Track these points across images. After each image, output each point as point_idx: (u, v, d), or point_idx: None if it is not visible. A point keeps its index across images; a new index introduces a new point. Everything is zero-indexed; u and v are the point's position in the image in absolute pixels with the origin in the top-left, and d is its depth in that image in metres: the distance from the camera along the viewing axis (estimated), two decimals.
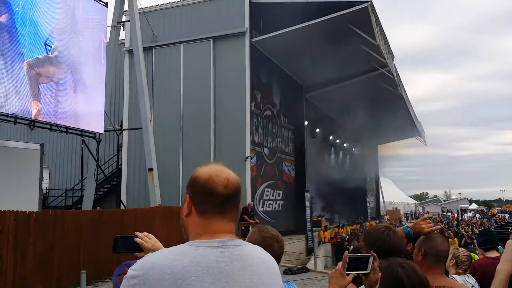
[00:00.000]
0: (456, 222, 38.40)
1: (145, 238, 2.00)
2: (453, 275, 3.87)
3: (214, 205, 1.44)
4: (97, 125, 13.74)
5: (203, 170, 1.49)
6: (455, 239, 21.68)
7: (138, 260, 1.38)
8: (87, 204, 14.69)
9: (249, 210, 16.37)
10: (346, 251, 2.13)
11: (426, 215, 3.45)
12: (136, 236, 2.00)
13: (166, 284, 1.29)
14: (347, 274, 2.04)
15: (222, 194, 1.45)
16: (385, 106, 27.87)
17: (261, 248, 1.56)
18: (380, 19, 18.33)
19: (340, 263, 2.07)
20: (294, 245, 18.47)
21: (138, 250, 1.97)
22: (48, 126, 12.90)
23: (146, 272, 1.31)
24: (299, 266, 15.33)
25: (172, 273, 1.30)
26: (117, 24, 15.07)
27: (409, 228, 3.19)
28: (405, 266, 2.03)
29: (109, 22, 14.77)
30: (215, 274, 1.34)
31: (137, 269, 1.33)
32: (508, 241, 1.86)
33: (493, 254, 4.44)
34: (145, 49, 16.50)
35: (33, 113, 11.51)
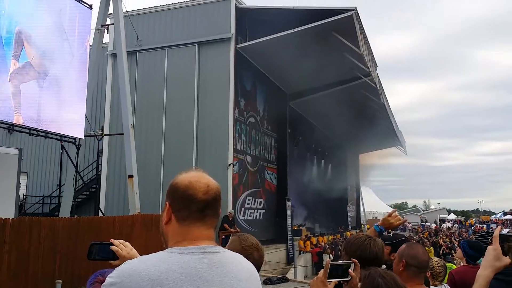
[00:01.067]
0: (434, 232, 38.89)
1: (121, 245, 1.99)
2: (430, 287, 3.87)
3: (194, 211, 1.45)
4: (77, 130, 13.49)
5: (183, 177, 1.50)
6: (431, 247, 21.96)
7: (116, 267, 1.37)
8: (65, 211, 14.39)
9: (230, 219, 16.27)
10: (328, 259, 2.12)
11: (392, 210, 3.48)
12: (112, 244, 1.98)
13: None
14: (329, 282, 2.03)
15: (202, 200, 1.46)
16: (368, 115, 28.16)
17: (241, 256, 1.57)
18: (364, 28, 18.52)
19: (321, 271, 2.05)
20: (274, 255, 18.38)
21: (114, 258, 1.96)
22: (27, 131, 12.65)
23: (124, 279, 1.31)
24: (279, 276, 15.26)
25: (150, 280, 1.29)
26: (101, 27, 14.89)
27: (379, 226, 3.20)
28: (385, 276, 2.03)
29: (93, 25, 14.59)
30: (194, 280, 1.34)
31: (115, 276, 1.33)
32: (489, 247, 1.89)
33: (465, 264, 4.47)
34: (129, 53, 16.35)
35: (13, 116, 11.26)
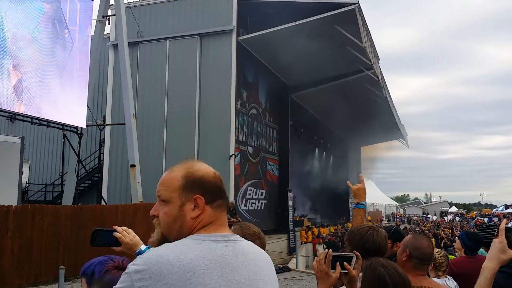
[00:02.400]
0: (433, 224, 39.03)
1: (124, 232, 2.00)
2: (433, 278, 3.89)
3: (224, 200, 1.50)
4: (79, 120, 13.55)
5: (202, 168, 1.50)
6: (432, 239, 22.05)
7: (140, 255, 1.35)
8: (67, 199, 14.48)
9: (231, 209, 16.36)
10: (330, 250, 2.13)
11: (360, 178, 3.45)
12: (115, 230, 1.98)
13: (174, 277, 1.27)
14: (333, 272, 2.05)
15: (224, 189, 1.52)
16: (370, 108, 28.11)
17: (256, 245, 1.58)
18: (366, 21, 18.45)
19: (317, 259, 2.07)
20: (276, 245, 18.49)
21: (116, 244, 1.97)
22: (29, 119, 12.69)
23: (151, 266, 1.27)
24: (281, 266, 15.35)
25: (180, 266, 1.28)
26: (103, 18, 14.87)
27: (360, 203, 3.20)
28: (387, 266, 2.03)
29: (95, 16, 14.57)
30: (223, 267, 1.35)
31: (141, 264, 1.29)
32: (494, 240, 1.90)
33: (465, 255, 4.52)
34: (131, 44, 16.33)
35: (15, 105, 11.29)
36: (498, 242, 1.88)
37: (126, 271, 1.30)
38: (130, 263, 1.32)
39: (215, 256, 1.35)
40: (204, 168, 1.50)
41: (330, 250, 2.12)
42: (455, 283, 4.01)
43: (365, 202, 3.27)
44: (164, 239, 1.46)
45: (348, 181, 3.47)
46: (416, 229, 30.52)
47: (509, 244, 1.86)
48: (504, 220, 2.12)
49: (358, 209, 3.26)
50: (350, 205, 39.72)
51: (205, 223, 1.44)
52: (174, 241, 1.40)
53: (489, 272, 1.86)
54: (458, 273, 4.18)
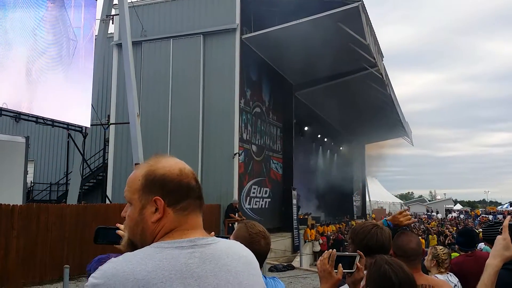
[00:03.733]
0: (437, 222, 38.94)
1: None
2: (436, 275, 3.91)
3: (193, 199, 1.34)
4: (83, 119, 13.60)
5: (165, 165, 1.35)
6: (434, 235, 21.98)
7: (100, 267, 1.25)
8: (72, 198, 14.55)
9: (235, 208, 16.38)
10: (334, 250, 2.14)
11: (404, 208, 3.41)
12: (118, 228, 2.01)
13: None
14: (336, 272, 2.06)
15: (196, 187, 1.36)
16: (374, 106, 28.05)
17: (239, 243, 1.47)
18: (370, 19, 18.39)
19: (322, 259, 2.08)
20: (280, 243, 18.51)
21: (119, 243, 1.98)
22: (34, 119, 12.75)
23: (107, 280, 1.19)
24: (285, 264, 15.39)
25: (135, 280, 1.18)
26: (106, 18, 14.91)
27: (388, 221, 3.20)
28: (392, 263, 2.03)
29: (98, 15, 14.60)
30: (185, 278, 1.22)
31: (98, 277, 1.21)
32: (498, 236, 1.90)
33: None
34: (134, 43, 16.37)
35: (20, 105, 11.35)
36: (502, 239, 1.88)
37: (86, 283, 1.24)
38: (91, 275, 1.25)
39: (176, 265, 1.22)
40: (168, 165, 1.34)
41: (334, 250, 2.12)
42: (457, 279, 4.02)
43: (391, 225, 3.17)
44: (132, 244, 1.36)
45: (407, 209, 3.28)
46: (421, 227, 30.44)
47: None
48: (508, 217, 2.09)
49: (382, 223, 3.14)
50: (354, 203, 39.71)
51: (168, 229, 1.30)
52: (141, 246, 1.30)
53: (492, 269, 1.86)
54: (459, 272, 4.20)
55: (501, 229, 1.91)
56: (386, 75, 23.66)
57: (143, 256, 1.23)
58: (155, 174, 1.33)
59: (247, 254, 1.43)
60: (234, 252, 1.37)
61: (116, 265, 1.22)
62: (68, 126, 13.90)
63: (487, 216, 51.26)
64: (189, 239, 1.29)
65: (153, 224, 1.31)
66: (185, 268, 1.23)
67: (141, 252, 1.25)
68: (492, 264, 1.87)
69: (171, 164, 1.35)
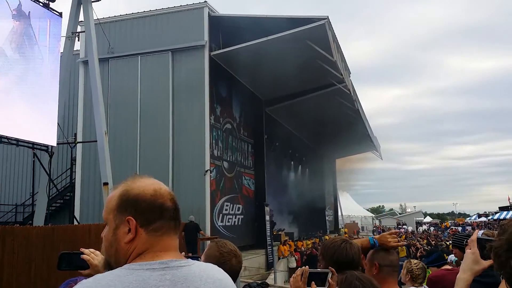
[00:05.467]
0: (410, 234, 39.58)
1: (92, 254, 1.93)
2: (410, 287, 3.96)
3: (167, 220, 1.33)
4: (49, 138, 13.26)
5: (140, 185, 1.34)
6: (404, 247, 22.34)
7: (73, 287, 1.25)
8: (39, 220, 14.10)
9: (193, 226, 15.97)
10: (307, 266, 2.13)
11: (393, 230, 3.43)
12: (82, 253, 1.92)
13: None
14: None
15: (172, 208, 1.36)
16: (343, 121, 28.49)
17: (215, 266, 1.45)
18: (337, 35, 18.78)
19: (295, 276, 2.07)
20: (253, 260, 18.38)
21: (84, 267, 1.90)
22: None
23: None
24: (259, 281, 15.17)
25: None
26: (72, 35, 14.69)
27: (374, 239, 3.21)
28: (362, 278, 2.05)
29: (64, 32, 14.38)
30: None
31: None
32: (467, 251, 1.94)
33: (447, 267, 4.69)
34: (101, 60, 16.17)
35: None
36: (471, 253, 1.91)
37: None
38: None
39: (146, 287, 1.20)
40: (143, 186, 1.34)
41: (307, 266, 2.12)
42: None
43: (377, 244, 3.07)
44: (109, 265, 1.35)
45: (396, 231, 3.23)
46: None
47: (482, 255, 1.88)
48: (476, 231, 2.16)
49: (368, 240, 3.03)
50: (326, 218, 39.95)
51: (141, 250, 1.29)
52: (116, 267, 1.28)
53: (463, 283, 1.90)
54: (438, 285, 4.25)
55: (466, 242, 1.95)
56: (354, 90, 24.12)
57: (112, 278, 1.21)
58: (129, 194, 1.33)
59: (222, 277, 1.40)
60: (208, 275, 1.34)
61: (85, 287, 1.21)
62: (33, 145, 13.55)
63: (456, 228, 52.42)
64: (161, 261, 1.27)
65: (126, 245, 1.30)
66: None
67: (111, 273, 1.24)
68: (463, 278, 1.91)
69: (146, 184, 1.35)
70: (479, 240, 1.91)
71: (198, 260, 1.56)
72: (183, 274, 1.28)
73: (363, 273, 2.18)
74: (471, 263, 1.90)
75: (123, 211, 1.32)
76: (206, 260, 2.18)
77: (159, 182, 1.39)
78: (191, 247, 14.87)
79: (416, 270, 4.34)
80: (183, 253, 1.58)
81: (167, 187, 1.40)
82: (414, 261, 4.51)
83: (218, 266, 1.50)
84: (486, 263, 1.84)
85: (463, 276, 1.90)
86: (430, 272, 6.11)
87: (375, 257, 2.75)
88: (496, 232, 1.51)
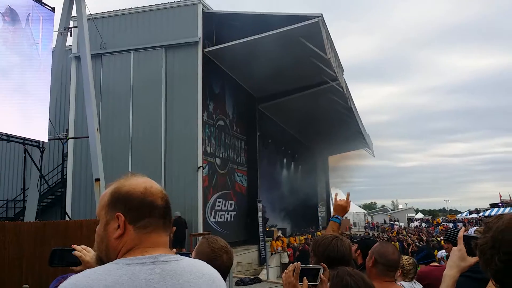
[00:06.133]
0: (403, 230, 39.84)
1: (84, 251, 1.94)
2: (401, 282, 3.99)
3: (156, 218, 1.36)
4: (41, 134, 13.17)
5: (132, 183, 1.38)
6: (397, 243, 22.53)
7: (62, 283, 1.25)
8: (30, 215, 14.01)
9: (182, 221, 16.07)
10: (299, 262, 2.15)
11: (334, 194, 3.54)
12: (74, 249, 1.92)
13: None
14: (300, 284, 2.09)
15: (162, 206, 1.38)
16: (336, 118, 28.57)
17: (203, 262, 1.48)
18: (330, 33, 18.79)
19: (287, 271, 2.09)
20: (246, 256, 18.44)
21: (76, 264, 1.90)
22: None
23: None
24: (252, 277, 15.33)
25: None
26: (64, 30, 14.58)
27: (336, 216, 3.29)
28: (353, 274, 2.08)
29: (56, 27, 14.27)
30: None
31: None
32: (454, 248, 1.96)
33: (434, 264, 4.81)
34: (94, 56, 16.07)
35: None
36: (458, 250, 1.94)
37: None
38: None
39: (136, 281, 1.23)
40: (134, 184, 1.38)
41: (299, 262, 2.15)
42: (421, 286, 4.12)
43: (341, 217, 3.34)
44: (101, 260, 1.37)
45: (336, 193, 3.52)
46: (385, 236, 31.06)
47: (469, 252, 1.90)
48: (463, 228, 2.21)
49: (333, 222, 3.32)
50: (319, 214, 40.09)
51: (130, 246, 1.33)
52: (107, 263, 1.31)
53: (450, 280, 1.92)
54: (427, 281, 4.32)
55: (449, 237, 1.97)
56: (347, 88, 24.18)
57: (102, 272, 1.24)
58: (120, 191, 1.37)
59: (211, 272, 1.43)
60: (197, 269, 1.37)
61: (75, 281, 1.23)
62: (24, 141, 13.43)
63: (447, 224, 52.84)
64: (151, 255, 1.30)
65: (115, 240, 1.34)
66: (144, 283, 1.23)
67: (102, 268, 1.27)
68: (450, 274, 1.93)
69: (138, 182, 1.39)
70: (465, 237, 1.94)
71: (189, 256, 1.58)
72: (173, 268, 1.30)
73: (354, 269, 2.21)
74: (457, 259, 1.92)
75: (114, 207, 1.35)
76: (197, 256, 2.20)
77: (151, 181, 1.42)
78: (179, 242, 14.94)
79: (407, 265, 4.40)
80: (174, 250, 1.60)
81: (159, 186, 1.43)
82: (405, 257, 4.56)
83: (209, 262, 1.53)
84: (473, 259, 1.87)
85: (450, 272, 1.93)
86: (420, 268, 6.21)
87: (375, 251, 2.79)
88: None
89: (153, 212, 1.35)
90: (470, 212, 64.21)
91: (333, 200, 3.46)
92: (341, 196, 3.45)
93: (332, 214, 3.43)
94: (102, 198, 1.41)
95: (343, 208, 3.39)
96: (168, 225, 1.41)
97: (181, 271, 1.31)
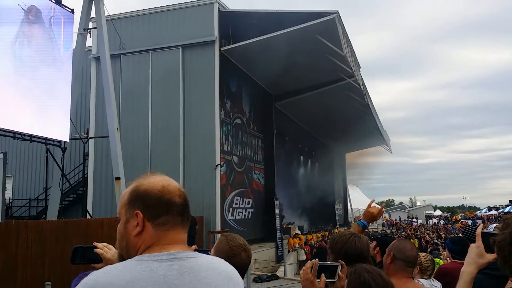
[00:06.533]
0: (414, 227, 39.43)
1: (105, 248, 1.96)
2: (419, 279, 3.98)
3: (174, 215, 1.38)
4: (62, 133, 13.44)
5: (150, 181, 1.41)
6: (415, 239, 22.36)
7: (82, 280, 1.28)
8: (52, 214, 14.30)
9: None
10: (317, 259, 2.18)
11: (370, 201, 3.58)
12: (96, 247, 1.96)
13: None
14: (318, 281, 2.11)
15: (180, 204, 1.40)
16: (353, 115, 28.40)
17: (221, 259, 1.50)
18: (346, 30, 18.71)
19: (305, 268, 2.13)
20: (263, 253, 18.51)
21: (98, 261, 1.93)
22: (12, 134, 12.55)
23: None
24: (269, 274, 15.38)
25: None
26: (84, 31, 14.83)
27: (362, 221, 3.31)
28: (371, 271, 2.09)
29: (76, 29, 14.52)
30: None
31: None
32: (472, 244, 1.96)
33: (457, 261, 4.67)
34: (113, 56, 16.29)
35: None
36: (476, 247, 1.93)
37: None
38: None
39: (154, 277, 1.25)
40: (152, 182, 1.40)
41: (317, 259, 2.17)
42: (439, 284, 4.10)
43: (367, 224, 3.35)
44: (122, 258, 1.41)
45: (372, 200, 3.58)
46: (403, 233, 30.81)
47: (487, 248, 1.91)
48: (481, 225, 2.18)
49: (358, 225, 3.34)
50: (336, 211, 39.92)
51: (149, 243, 1.35)
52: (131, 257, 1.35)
53: (467, 276, 1.92)
54: (450, 277, 4.26)
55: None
56: (364, 84, 24.03)
57: (122, 268, 1.27)
58: (139, 189, 1.40)
59: (228, 269, 1.44)
60: (214, 266, 1.39)
61: (96, 277, 1.26)
62: (46, 141, 13.71)
63: (466, 221, 52.08)
64: (169, 252, 1.33)
65: (135, 238, 1.37)
66: (163, 279, 1.26)
67: (122, 264, 1.30)
68: (468, 271, 1.92)
69: (156, 180, 1.41)
70: (483, 234, 1.94)
71: (208, 254, 1.62)
72: (190, 265, 1.33)
73: (372, 266, 2.24)
74: (475, 256, 1.92)
75: (133, 205, 1.38)
76: (216, 254, 2.22)
77: (169, 179, 1.44)
78: (190, 241, 15.03)
79: (425, 262, 4.37)
80: (194, 246, 1.64)
81: (177, 184, 1.46)
82: (422, 254, 4.54)
83: (228, 259, 1.56)
84: (491, 256, 1.87)
85: (468, 269, 1.92)
86: (442, 263, 6.10)
87: (393, 247, 2.79)
88: None
89: (171, 209, 1.37)
90: (489, 209, 63.16)
91: (368, 205, 3.48)
92: (364, 198, 3.48)
93: (360, 217, 3.45)
94: (122, 197, 1.44)
95: (373, 216, 3.39)
96: (186, 222, 1.43)
97: (199, 268, 1.34)
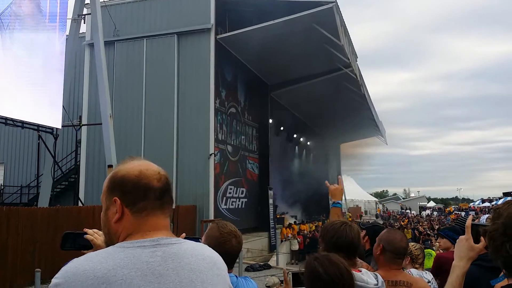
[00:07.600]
0: (408, 219, 39.76)
1: (95, 234, 1.92)
2: (410, 269, 3.97)
3: (152, 200, 1.35)
4: (54, 120, 13.30)
5: (127, 167, 1.38)
6: (409, 230, 22.52)
7: (63, 267, 1.26)
8: (43, 201, 14.24)
9: None
10: (285, 268, 2.23)
11: (338, 180, 3.61)
12: (86, 233, 1.95)
13: None
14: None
15: (158, 188, 1.36)
16: (348, 106, 28.38)
17: (204, 245, 1.48)
18: (344, 19, 18.58)
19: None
20: (256, 242, 18.56)
21: (88, 247, 1.92)
22: (3, 120, 12.43)
23: (68, 279, 1.21)
24: (262, 263, 15.42)
25: (95, 278, 1.20)
26: (78, 17, 14.64)
27: (336, 203, 3.30)
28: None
29: (70, 15, 14.33)
30: (145, 275, 1.24)
31: (60, 277, 1.23)
32: (461, 237, 1.91)
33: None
34: (107, 43, 16.12)
35: None
36: (465, 239, 1.87)
37: (49, 284, 1.25)
38: (54, 276, 1.25)
39: (137, 263, 1.24)
40: (130, 167, 1.37)
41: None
42: (431, 275, 4.09)
43: (341, 202, 3.36)
44: (107, 245, 1.38)
45: (326, 181, 3.57)
46: (396, 224, 30.99)
47: (475, 240, 1.87)
48: (470, 216, 2.15)
49: (335, 207, 3.34)
50: (330, 202, 40.12)
51: (130, 230, 1.33)
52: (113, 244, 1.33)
53: (460, 270, 1.87)
54: (444, 268, 4.24)
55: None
56: (360, 75, 23.98)
57: (104, 255, 1.26)
58: (117, 175, 1.37)
59: (212, 255, 1.43)
60: (198, 252, 1.38)
61: (77, 264, 1.24)
62: (38, 128, 13.61)
63: (460, 212, 52.51)
64: (152, 238, 1.31)
65: (115, 224, 1.35)
66: (146, 266, 1.25)
67: (103, 251, 1.29)
68: (460, 265, 1.86)
69: (134, 165, 1.38)
70: (473, 225, 1.89)
71: (199, 241, 1.58)
72: (174, 251, 1.31)
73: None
74: (466, 249, 1.86)
75: (112, 192, 1.37)
76: (207, 240, 2.23)
77: (148, 163, 1.41)
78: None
79: (414, 251, 4.37)
80: (184, 234, 1.60)
81: (157, 168, 1.41)
82: (412, 243, 4.53)
83: (219, 245, 1.59)
84: (480, 245, 1.83)
85: (460, 263, 1.87)
86: (434, 254, 6.09)
87: (383, 238, 2.76)
88: None
89: (148, 194, 1.34)
90: (483, 201, 63.65)
91: (328, 186, 3.50)
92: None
93: (331, 201, 3.44)
94: (104, 184, 1.42)
95: (339, 191, 3.42)
96: (167, 206, 1.39)
97: (182, 254, 1.32)
